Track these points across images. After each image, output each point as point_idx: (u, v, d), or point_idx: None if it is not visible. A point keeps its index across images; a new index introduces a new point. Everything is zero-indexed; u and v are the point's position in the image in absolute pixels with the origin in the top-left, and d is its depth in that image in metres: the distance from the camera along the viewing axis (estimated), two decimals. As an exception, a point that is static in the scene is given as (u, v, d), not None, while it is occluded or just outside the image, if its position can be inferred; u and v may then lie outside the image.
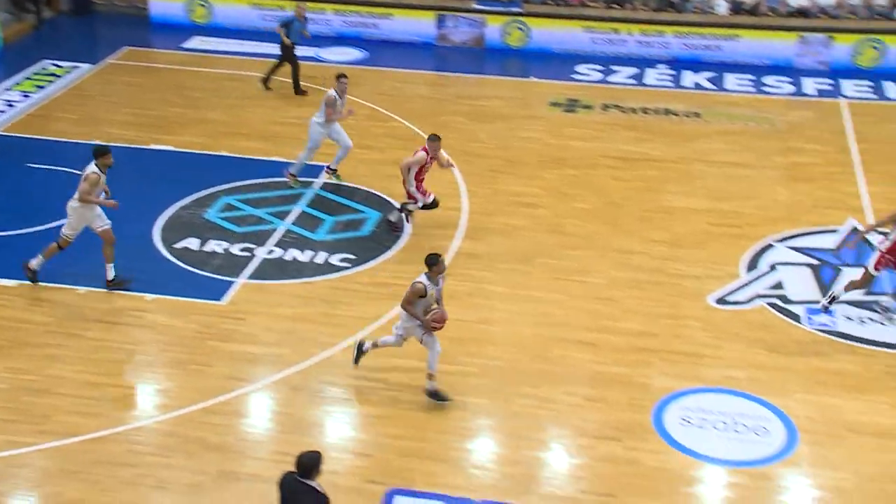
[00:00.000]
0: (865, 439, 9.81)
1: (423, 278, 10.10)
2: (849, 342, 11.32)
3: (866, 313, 11.84)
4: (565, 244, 13.44)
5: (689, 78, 19.52)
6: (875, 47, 19.62)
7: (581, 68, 20.01)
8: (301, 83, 18.17)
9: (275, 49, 18.50)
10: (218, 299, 12.08)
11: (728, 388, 10.58)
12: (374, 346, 10.62)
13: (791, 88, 18.98)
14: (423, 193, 13.36)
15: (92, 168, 11.68)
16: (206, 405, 10.24)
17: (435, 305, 10.18)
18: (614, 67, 20.00)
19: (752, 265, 12.89)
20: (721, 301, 12.16)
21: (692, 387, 10.57)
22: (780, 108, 18.05)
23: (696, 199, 14.62)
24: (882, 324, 11.61)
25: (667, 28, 20.38)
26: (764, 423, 10.04)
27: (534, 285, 12.52)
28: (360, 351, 10.69)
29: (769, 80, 19.34)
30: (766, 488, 9.27)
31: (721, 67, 19.90)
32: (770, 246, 13.31)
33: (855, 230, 13.54)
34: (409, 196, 13.37)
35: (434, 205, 13.51)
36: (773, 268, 12.81)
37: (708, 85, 19.21)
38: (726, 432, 9.92)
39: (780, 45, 19.99)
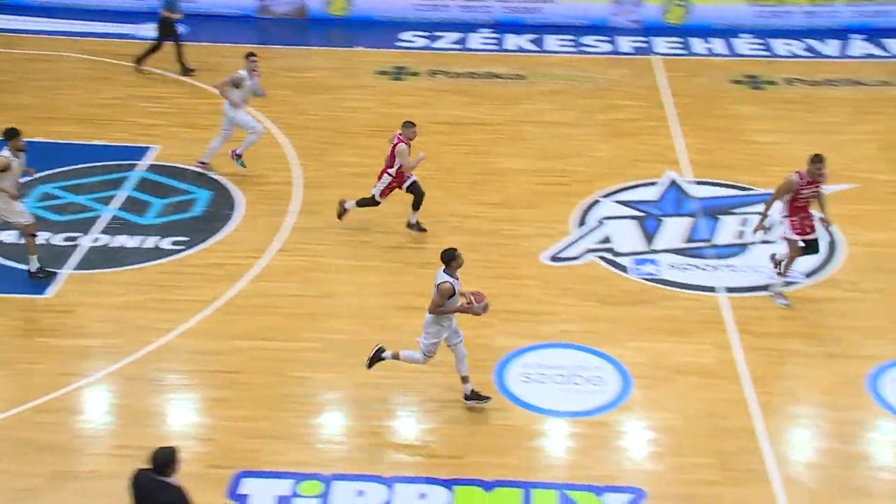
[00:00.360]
0: (691, 379, 10.35)
1: (445, 277, 9.41)
2: (673, 289, 11.87)
3: (688, 260, 12.43)
4: (401, 213, 13.48)
5: (511, 41, 19.87)
6: (681, 5, 20.48)
7: (405, 35, 20.03)
8: (143, 65, 17.51)
9: (86, 27, 17.70)
10: (41, 293, 11.53)
11: (565, 342, 10.92)
12: (395, 357, 9.86)
13: (608, 47, 19.60)
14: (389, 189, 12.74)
15: (3, 153, 11.06)
16: (36, 404, 9.78)
17: (462, 299, 9.55)
18: (438, 33, 20.13)
19: (582, 221, 13.31)
20: (554, 258, 12.51)
21: (531, 344, 10.86)
22: (599, 67, 18.62)
23: (526, 160, 14.94)
24: (703, 268, 12.23)
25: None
26: (599, 373, 10.43)
27: (373, 256, 12.54)
28: (377, 357, 9.91)
29: (587, 39, 19.91)
30: (604, 435, 9.66)
31: (542, 29, 20.34)
32: (597, 201, 13.77)
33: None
34: (383, 188, 12.70)
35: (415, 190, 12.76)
36: (600, 222, 13.27)
37: (530, 47, 19.61)
38: (565, 385, 10.26)
39: (596, 5, 20.60)
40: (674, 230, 13.08)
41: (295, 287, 11.83)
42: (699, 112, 16.57)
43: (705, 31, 20.17)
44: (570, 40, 19.86)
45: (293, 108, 16.51)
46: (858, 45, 19.39)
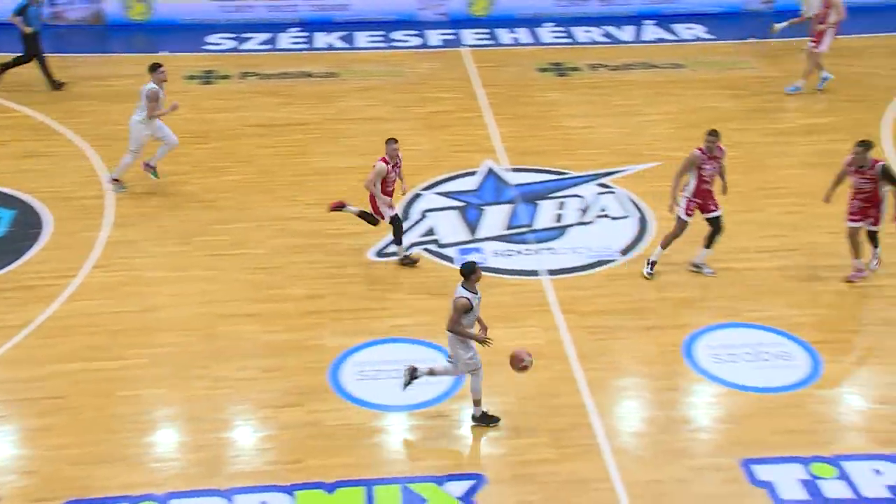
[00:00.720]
0: (523, 363, 10.62)
1: (463, 292, 9.12)
2: (499, 275, 12.14)
3: (511, 246, 12.74)
4: (221, 219, 13.22)
5: (321, 39, 19.76)
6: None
7: (212, 38, 19.59)
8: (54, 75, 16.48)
9: None
10: None
11: (397, 336, 10.99)
12: (431, 373, 9.61)
13: (418, 41, 19.80)
14: (389, 206, 12.04)
15: None
16: None
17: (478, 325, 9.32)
18: (246, 34, 19.78)
19: (405, 216, 13.40)
20: (380, 254, 12.55)
21: (364, 341, 10.87)
22: (410, 61, 18.78)
23: (345, 158, 14.90)
24: (526, 253, 12.56)
25: (294, -10, 20.47)
26: (433, 364, 10.53)
27: (194, 265, 12.23)
28: (412, 376, 9.64)
29: (397, 34, 20.03)
30: (442, 425, 9.78)
31: (351, 26, 20.32)
32: (418, 195, 13.91)
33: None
34: (377, 214, 12.00)
35: (397, 220, 12.06)
36: (423, 215, 13.41)
37: (341, 44, 19.57)
38: (400, 380, 10.31)
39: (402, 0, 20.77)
40: (495, 218, 13.38)
41: (114, 303, 11.39)
42: (510, 101, 16.98)
43: (510, 22, 20.68)
44: (380, 36, 19.94)
45: (99, 118, 15.85)
46: (651, 31, 20.38)
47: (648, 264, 12.00)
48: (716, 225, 11.87)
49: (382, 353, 10.70)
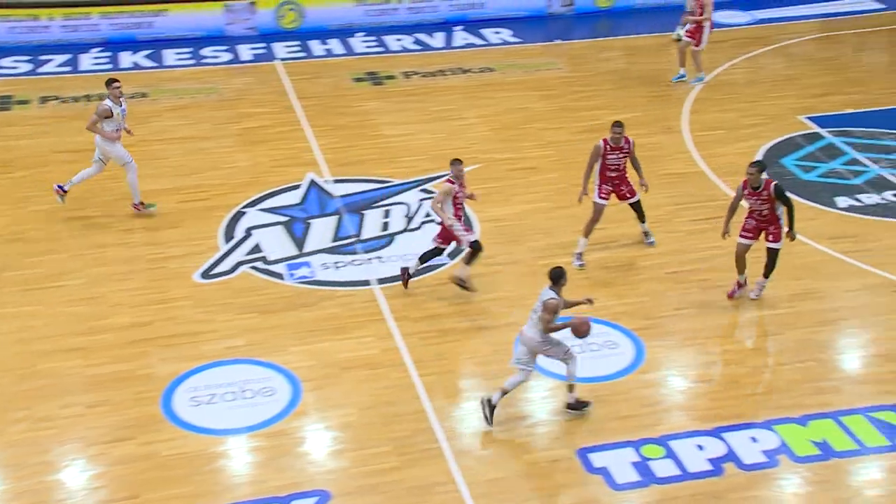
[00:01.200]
0: (359, 373, 10.61)
1: (552, 293, 9.42)
2: (329, 288, 12.10)
3: (340, 258, 12.71)
4: (31, 251, 12.60)
5: (126, 58, 19.10)
6: (293, 9, 20.78)
7: (5, 62, 18.61)
8: None
9: None
10: None
11: (229, 358, 10.77)
12: (504, 393, 9.68)
13: (228, 56, 19.45)
14: (467, 230, 11.63)
15: None
16: None
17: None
18: (43, 57, 18.88)
19: (229, 235, 13.15)
20: (206, 275, 12.27)
21: (195, 366, 10.59)
22: (222, 77, 18.44)
23: (163, 180, 14.48)
24: (355, 264, 12.56)
25: (92, 10, 19.65)
26: (269, 383, 10.40)
27: (6, 302, 11.61)
28: (491, 407, 9.65)
29: (206, 50, 19.61)
30: (283, 444, 9.64)
31: (157, 44, 19.75)
32: (242, 213, 13.67)
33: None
34: (455, 238, 11.54)
35: (477, 245, 11.62)
36: (248, 233, 13.19)
37: (148, 63, 18.98)
38: (236, 401, 10.12)
39: (208, 15, 20.33)
40: (321, 230, 13.31)
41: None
42: (328, 112, 16.94)
43: (321, 33, 20.62)
44: (189, 53, 19.47)
45: None
46: (460, 36, 20.79)
47: (576, 256, 12.37)
48: (637, 210, 12.54)
49: (216, 377, 10.46)
